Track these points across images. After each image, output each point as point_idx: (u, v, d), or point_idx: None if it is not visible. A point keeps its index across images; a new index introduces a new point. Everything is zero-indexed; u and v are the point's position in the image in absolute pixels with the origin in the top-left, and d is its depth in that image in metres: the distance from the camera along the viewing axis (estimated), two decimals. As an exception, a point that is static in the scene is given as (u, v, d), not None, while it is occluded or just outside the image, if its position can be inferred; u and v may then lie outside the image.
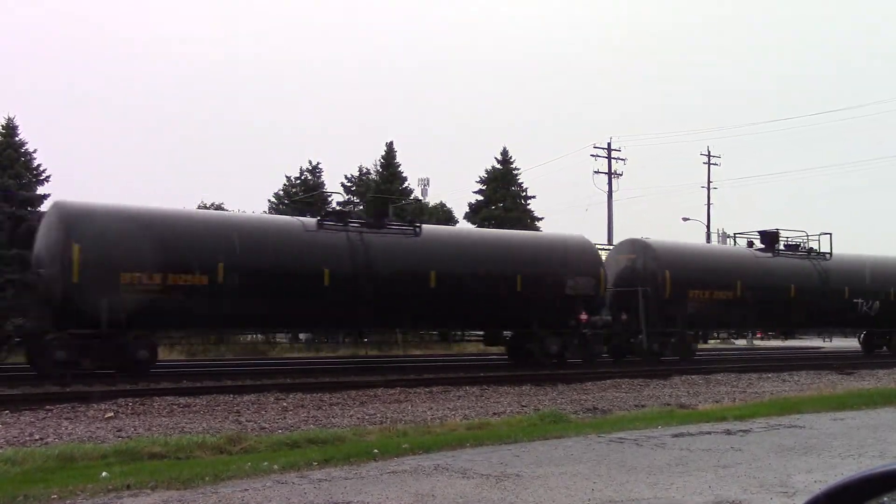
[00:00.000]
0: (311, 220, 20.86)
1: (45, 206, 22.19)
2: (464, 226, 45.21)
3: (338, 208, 23.13)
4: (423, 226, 22.57)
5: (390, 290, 20.42)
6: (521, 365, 23.10)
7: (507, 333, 24.92)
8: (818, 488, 1.94)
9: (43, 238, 18.20)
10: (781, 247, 29.65)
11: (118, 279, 17.24)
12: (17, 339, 18.18)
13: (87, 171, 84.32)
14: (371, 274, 20.24)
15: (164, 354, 23.93)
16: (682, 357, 25.23)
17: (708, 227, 54.02)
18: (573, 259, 23.95)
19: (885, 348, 32.55)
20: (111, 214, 18.35)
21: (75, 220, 17.62)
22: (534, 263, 23.14)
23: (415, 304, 21.05)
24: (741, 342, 42.61)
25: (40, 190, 39.19)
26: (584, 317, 23.43)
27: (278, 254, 19.41)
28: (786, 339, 37.28)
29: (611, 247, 30.71)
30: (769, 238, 29.41)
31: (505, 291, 22.18)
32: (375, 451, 8.72)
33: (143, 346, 18.00)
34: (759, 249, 29.25)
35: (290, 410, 13.58)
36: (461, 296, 21.52)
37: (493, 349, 26.52)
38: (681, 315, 25.20)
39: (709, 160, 54.41)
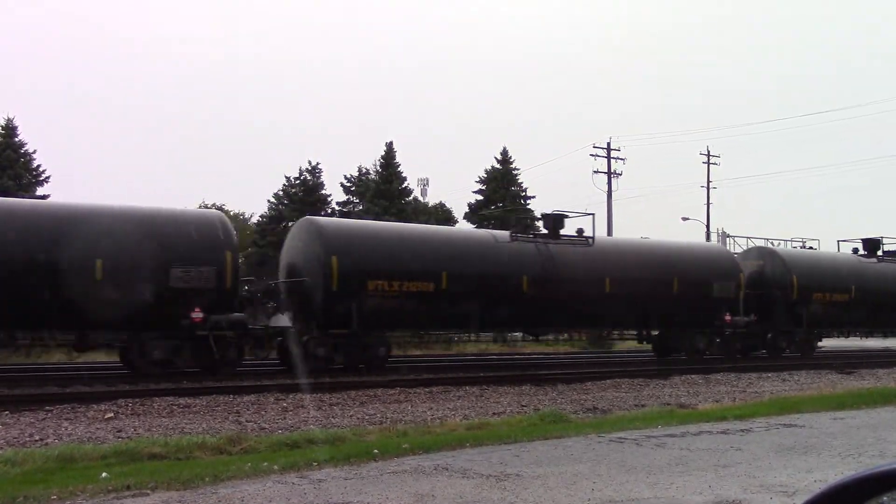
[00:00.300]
0: (503, 233, 23.98)
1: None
2: (464, 225, 45.30)
3: (528, 222, 24.62)
4: (596, 236, 25.40)
5: (575, 294, 23.16)
6: (667, 361, 25.75)
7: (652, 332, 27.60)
8: (818, 488, 1.94)
9: (298, 250, 21.03)
10: (880, 253, 32.06)
11: (366, 286, 20.15)
12: (279, 339, 20.35)
13: (87, 171, 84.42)
14: (559, 279, 23.01)
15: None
16: (803, 354, 28.35)
17: (707, 226, 53.99)
18: (718, 265, 27.13)
19: None
20: (358, 230, 22.08)
21: (333, 236, 20.59)
22: (687, 269, 26.03)
23: (593, 306, 23.85)
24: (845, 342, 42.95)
25: (39, 191, 39.20)
26: (728, 317, 26.25)
27: (484, 263, 22.40)
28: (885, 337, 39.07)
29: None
30: (871, 245, 31.87)
31: (664, 294, 25.04)
32: (375, 451, 8.72)
33: (383, 344, 21.23)
34: (863, 255, 31.82)
35: (290, 411, 13.58)
36: (631, 298, 24.31)
37: (538, 348, 28.54)
38: (805, 316, 27.96)
39: (708, 160, 54.38)
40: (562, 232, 24.54)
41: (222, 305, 18.60)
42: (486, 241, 23.20)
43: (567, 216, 25.09)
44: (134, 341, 18.15)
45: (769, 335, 28.07)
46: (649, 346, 28.23)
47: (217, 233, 19.06)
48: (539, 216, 25.41)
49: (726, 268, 27.09)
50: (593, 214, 26.20)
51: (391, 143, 49.39)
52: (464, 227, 46.02)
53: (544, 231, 24.77)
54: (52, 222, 17.85)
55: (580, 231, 25.04)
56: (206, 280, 18.39)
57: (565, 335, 29.56)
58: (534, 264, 22.86)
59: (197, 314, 18.08)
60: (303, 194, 47.08)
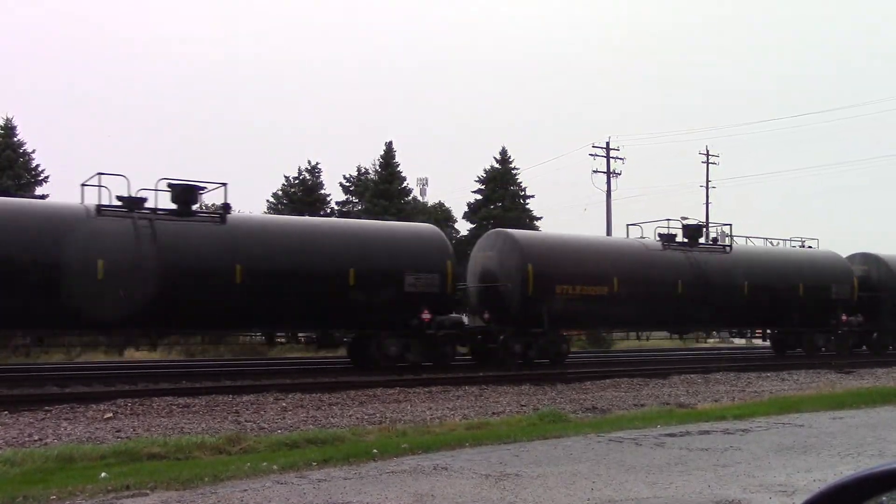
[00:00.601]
0: (654, 242, 26.72)
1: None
2: (463, 225, 45.27)
3: (671, 232, 27.70)
4: (734, 244, 28.34)
5: (719, 296, 26.36)
6: (786, 357, 28.96)
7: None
8: (817, 487, 1.94)
9: (492, 259, 23.82)
10: None
11: (555, 290, 22.87)
12: (479, 336, 23.11)
13: (87, 172, 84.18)
14: (706, 283, 26.10)
15: (163, 355, 23.98)
16: None
17: (707, 226, 54.01)
18: (835, 270, 29.98)
19: None
20: (547, 241, 25.48)
21: (527, 246, 23.51)
22: (810, 274, 29.06)
23: (734, 308, 27.25)
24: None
25: (39, 191, 39.15)
26: (844, 318, 29.29)
27: (646, 269, 25.22)
28: None
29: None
30: None
31: (791, 296, 28.09)
32: (375, 451, 8.72)
33: (564, 341, 24.41)
34: None
35: (290, 410, 13.57)
36: (765, 300, 27.50)
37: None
38: None
39: (707, 159, 54.36)
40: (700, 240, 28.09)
41: (443, 307, 21.79)
42: (641, 249, 26.12)
43: (703, 226, 28.41)
44: (373, 339, 20.96)
45: (875, 334, 31.36)
46: (740, 342, 32.45)
47: (442, 243, 22.52)
48: (681, 225, 28.42)
49: (842, 272, 30.13)
50: (730, 224, 29.06)
51: (390, 142, 49.32)
52: (462, 226, 46.03)
53: (685, 239, 27.55)
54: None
55: (715, 240, 28.94)
56: (433, 285, 21.32)
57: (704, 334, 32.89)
58: (685, 270, 25.98)
59: (426, 315, 20.88)
60: (302, 194, 47.04)
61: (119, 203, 18.31)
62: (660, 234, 27.16)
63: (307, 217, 28.49)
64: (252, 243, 19.37)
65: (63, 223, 17.44)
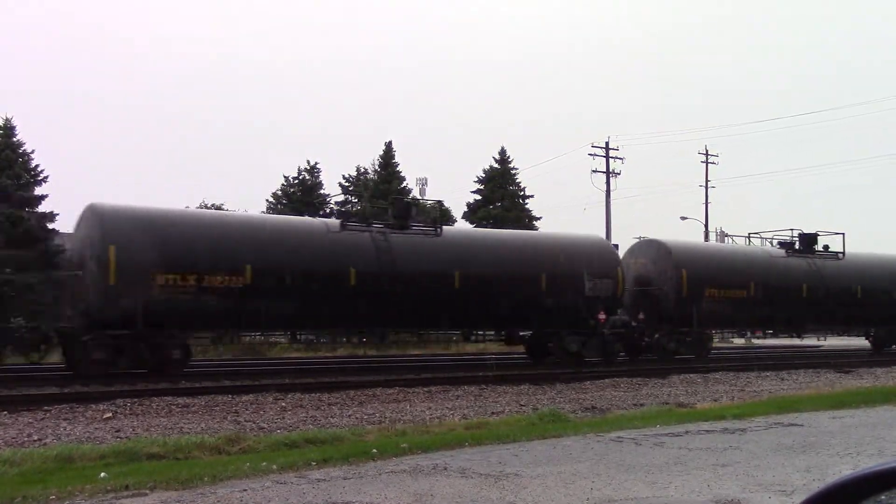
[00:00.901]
0: (779, 250, 30.06)
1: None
2: (462, 225, 45.22)
3: (794, 238, 30.90)
4: (846, 252, 30.98)
5: (836, 299, 29.36)
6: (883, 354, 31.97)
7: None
8: (816, 487, 1.94)
9: (644, 265, 26.82)
10: None
11: (703, 293, 26.20)
12: (646, 339, 25.88)
13: (87, 171, 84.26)
14: (825, 287, 29.12)
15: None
16: None
17: (706, 226, 54.05)
18: None
19: None
20: (696, 248, 29.50)
21: (681, 253, 26.71)
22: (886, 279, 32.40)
23: (848, 308, 30.12)
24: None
25: (38, 191, 39.11)
26: None
27: (777, 274, 28.35)
28: None
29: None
30: None
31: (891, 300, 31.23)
32: (374, 450, 8.72)
33: (710, 339, 29.01)
34: None
35: (289, 410, 13.57)
36: (877, 303, 30.52)
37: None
38: None
39: (706, 159, 54.41)
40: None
41: (614, 309, 24.73)
42: (767, 257, 29.33)
43: (817, 235, 30.68)
44: (554, 336, 23.86)
45: None
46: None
47: (612, 252, 25.83)
48: (796, 235, 30.92)
49: None
50: (843, 234, 31.24)
51: (390, 142, 49.34)
52: (462, 226, 45.91)
53: (801, 247, 30.39)
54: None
55: (826, 247, 30.84)
56: (607, 289, 24.07)
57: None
58: (809, 276, 29.04)
59: (601, 315, 23.56)
60: (301, 194, 47.04)
61: (355, 219, 22.43)
62: (780, 242, 30.66)
63: (504, 230, 31.44)
64: (465, 253, 22.52)
65: (313, 237, 20.65)
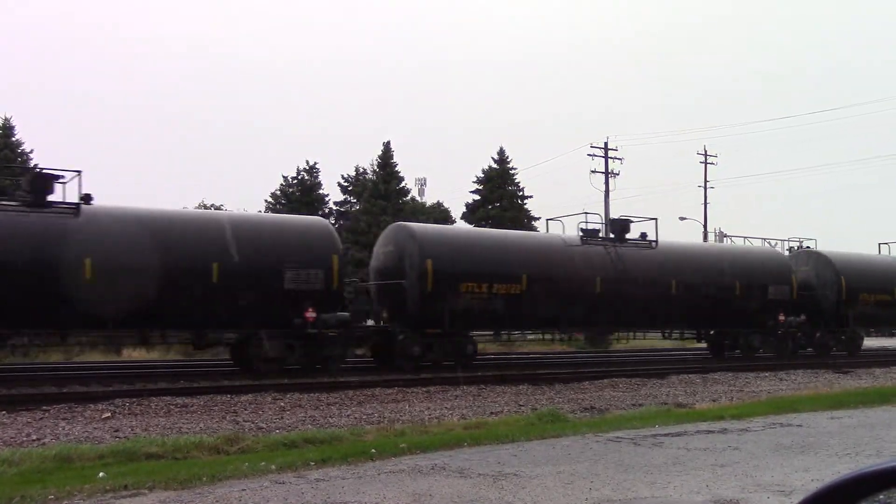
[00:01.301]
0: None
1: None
2: (462, 225, 45.23)
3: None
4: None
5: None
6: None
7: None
8: (815, 487, 1.94)
9: (809, 273, 30.04)
10: None
11: (857, 298, 29.46)
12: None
13: (87, 171, 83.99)
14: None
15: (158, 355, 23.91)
16: None
17: (705, 226, 54.04)
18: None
19: None
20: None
21: (842, 263, 29.85)
22: None
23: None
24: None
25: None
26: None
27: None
28: None
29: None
30: None
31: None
32: (373, 450, 8.72)
33: (861, 339, 31.55)
34: None
35: (288, 410, 13.56)
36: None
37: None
38: None
39: (705, 160, 54.39)
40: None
41: (789, 311, 28.05)
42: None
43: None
44: (729, 335, 27.98)
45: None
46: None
47: (787, 263, 29.21)
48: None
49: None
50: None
51: (389, 142, 49.42)
52: (462, 226, 45.87)
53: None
54: (706, 255, 29.45)
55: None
56: (784, 294, 28.01)
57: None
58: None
59: (781, 317, 27.72)
60: (300, 194, 47.05)
61: (582, 233, 25.00)
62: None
63: (703, 242, 34.34)
64: (678, 263, 26.03)
65: (562, 250, 23.92)
